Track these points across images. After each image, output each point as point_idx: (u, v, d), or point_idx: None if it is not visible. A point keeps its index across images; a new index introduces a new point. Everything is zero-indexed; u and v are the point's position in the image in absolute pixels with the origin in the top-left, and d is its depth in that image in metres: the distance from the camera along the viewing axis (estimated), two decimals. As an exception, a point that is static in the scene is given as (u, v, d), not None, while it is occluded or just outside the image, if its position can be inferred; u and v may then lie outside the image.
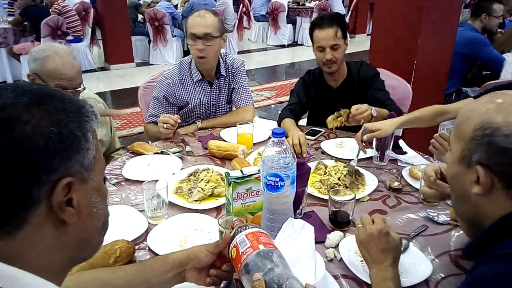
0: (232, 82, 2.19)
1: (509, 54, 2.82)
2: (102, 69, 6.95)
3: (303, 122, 2.28)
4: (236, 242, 0.83)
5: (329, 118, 1.82)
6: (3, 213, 0.51)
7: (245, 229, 0.85)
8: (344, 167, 1.56)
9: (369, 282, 1.02)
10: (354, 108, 1.75)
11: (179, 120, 1.92)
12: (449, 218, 1.29)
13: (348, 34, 2.05)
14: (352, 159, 1.60)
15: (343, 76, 2.10)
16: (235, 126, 1.85)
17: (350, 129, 1.90)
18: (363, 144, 1.64)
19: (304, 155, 1.71)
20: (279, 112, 2.11)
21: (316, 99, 2.14)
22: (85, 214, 0.59)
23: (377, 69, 2.15)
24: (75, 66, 1.66)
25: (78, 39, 6.54)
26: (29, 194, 0.52)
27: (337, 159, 1.72)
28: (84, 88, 1.72)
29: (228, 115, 2.21)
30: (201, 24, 1.95)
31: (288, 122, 1.96)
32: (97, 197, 0.62)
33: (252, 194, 1.15)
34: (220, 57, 2.13)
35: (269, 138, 1.91)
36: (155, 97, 2.11)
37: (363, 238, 1.01)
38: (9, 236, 0.52)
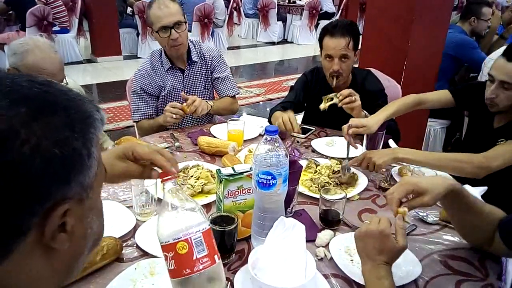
0: (214, 72, 2.19)
1: (489, 57, 2.84)
2: (89, 61, 6.82)
3: (298, 120, 2.27)
4: (190, 238, 0.71)
5: (322, 104, 1.80)
6: None
7: (195, 218, 0.73)
8: (337, 164, 1.55)
9: (358, 281, 1.02)
10: (342, 95, 1.73)
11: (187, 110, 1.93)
12: (438, 218, 1.30)
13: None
14: (344, 158, 1.60)
15: (346, 84, 2.03)
16: (223, 113, 1.86)
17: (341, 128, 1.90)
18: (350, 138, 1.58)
19: (296, 130, 1.68)
20: (268, 109, 2.09)
21: (316, 100, 2.10)
22: (78, 238, 0.52)
23: (370, 70, 2.15)
24: (56, 60, 1.62)
25: (64, 30, 6.41)
26: (18, 224, 0.44)
27: (327, 158, 1.72)
28: (67, 83, 1.67)
29: (227, 103, 2.21)
30: (168, 14, 1.93)
31: (278, 112, 1.93)
32: (93, 215, 0.56)
33: (244, 192, 1.13)
34: (191, 44, 2.14)
35: (260, 135, 1.94)
36: (133, 92, 2.11)
37: (362, 231, 0.99)
38: None
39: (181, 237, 0.70)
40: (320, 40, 1.96)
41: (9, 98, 0.44)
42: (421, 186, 1.02)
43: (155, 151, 0.87)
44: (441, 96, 1.90)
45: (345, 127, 1.60)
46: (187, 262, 0.71)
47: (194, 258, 0.71)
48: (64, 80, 1.66)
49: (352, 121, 1.61)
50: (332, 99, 1.77)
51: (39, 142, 0.44)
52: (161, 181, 0.79)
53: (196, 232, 0.71)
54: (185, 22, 2.01)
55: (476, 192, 1.39)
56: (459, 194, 1.04)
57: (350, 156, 1.75)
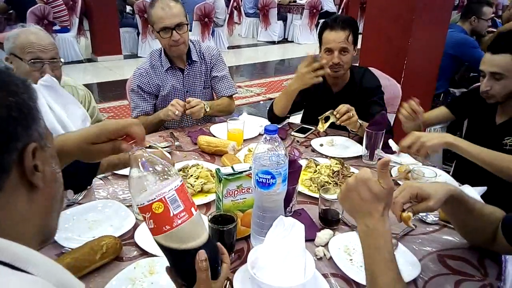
0: (212, 70, 2.19)
1: None
2: (89, 60, 6.81)
3: (297, 119, 2.27)
4: (164, 198, 0.72)
5: (319, 125, 1.81)
6: None
7: (167, 177, 0.73)
8: (336, 164, 1.55)
9: (358, 281, 1.02)
10: (339, 113, 1.74)
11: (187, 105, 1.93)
12: (437, 218, 1.30)
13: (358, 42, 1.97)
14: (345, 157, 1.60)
15: (345, 81, 2.04)
16: (221, 114, 1.86)
17: (341, 127, 1.90)
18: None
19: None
20: (268, 108, 2.09)
21: (314, 99, 2.11)
22: (49, 180, 0.61)
23: (368, 68, 2.15)
24: (47, 37, 1.67)
25: (65, 29, 6.40)
26: (1, 162, 0.54)
27: (327, 157, 1.72)
28: (63, 63, 1.72)
29: (224, 104, 2.20)
30: (171, 15, 1.93)
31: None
32: (55, 165, 0.65)
33: (243, 191, 1.13)
34: (191, 43, 2.14)
35: (260, 134, 1.94)
36: (131, 90, 2.11)
37: (342, 190, 0.90)
38: None
39: (155, 198, 0.71)
40: (320, 35, 1.96)
41: None
42: (425, 190, 1.01)
43: (128, 124, 0.86)
44: (438, 113, 1.98)
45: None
46: (165, 220, 0.72)
47: (171, 215, 0.72)
48: (59, 59, 1.69)
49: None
50: (328, 117, 1.78)
51: None
52: (129, 147, 0.81)
53: (169, 190, 0.72)
54: (187, 24, 2.01)
55: (476, 192, 1.39)
56: (459, 199, 1.04)
57: (350, 156, 1.76)
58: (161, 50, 2.11)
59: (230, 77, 2.24)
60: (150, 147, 1.76)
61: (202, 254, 0.75)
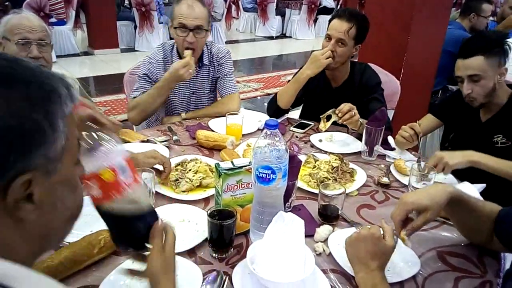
0: (217, 72, 2.15)
1: None
2: (86, 53, 6.76)
3: (296, 115, 2.26)
4: (113, 165, 0.72)
5: (321, 124, 1.81)
6: None
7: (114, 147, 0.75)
8: (335, 159, 1.55)
9: (357, 277, 1.02)
10: (341, 112, 1.73)
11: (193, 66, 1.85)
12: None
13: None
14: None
15: (345, 76, 2.04)
16: (222, 116, 1.82)
17: (340, 124, 1.89)
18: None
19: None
20: (265, 104, 2.08)
21: (314, 94, 2.10)
22: (47, 209, 0.54)
23: (368, 64, 2.14)
24: (36, 19, 1.66)
25: (61, 22, 6.34)
26: None
27: (326, 153, 1.71)
28: (52, 44, 1.71)
29: (213, 105, 2.18)
30: (192, 16, 1.88)
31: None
32: (64, 189, 0.57)
33: (243, 186, 1.12)
34: (205, 46, 2.09)
35: (258, 129, 1.93)
36: (138, 75, 2.05)
37: (353, 237, 1.00)
38: None
39: (105, 166, 0.73)
40: (329, 22, 1.95)
41: None
42: (420, 204, 1.00)
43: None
44: (428, 122, 1.99)
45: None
46: (113, 187, 0.74)
47: (120, 183, 0.74)
48: (50, 39, 1.68)
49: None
50: (330, 116, 1.78)
51: None
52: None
53: (118, 159, 0.74)
54: (207, 30, 1.95)
55: (475, 189, 1.39)
56: (459, 200, 1.04)
57: (349, 151, 1.75)
58: (173, 45, 2.06)
59: (233, 76, 2.19)
60: (148, 141, 1.75)
61: (159, 222, 0.79)
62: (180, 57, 2.03)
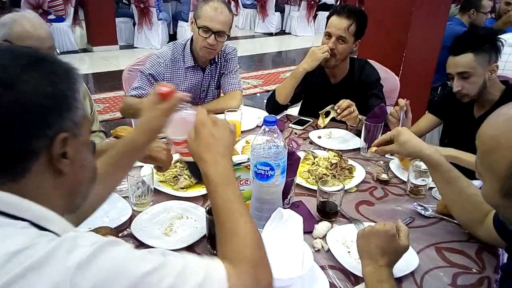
0: (223, 68, 2.16)
1: None
2: (85, 50, 6.74)
3: (295, 111, 2.26)
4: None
5: (320, 120, 1.80)
6: (9, 162, 0.58)
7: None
8: (334, 156, 1.54)
9: (355, 273, 1.02)
10: (340, 108, 1.73)
11: None
12: (434, 211, 1.30)
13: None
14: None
15: (344, 73, 2.03)
16: (222, 113, 1.81)
17: (339, 121, 1.89)
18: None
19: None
20: (265, 100, 2.08)
21: (312, 91, 2.10)
22: (77, 166, 0.66)
23: (368, 60, 2.14)
24: (44, 27, 1.63)
25: (60, 19, 6.31)
26: (30, 146, 0.59)
27: (325, 149, 1.71)
28: (58, 53, 1.67)
29: (214, 102, 2.18)
30: (218, 20, 1.89)
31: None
32: (86, 151, 0.69)
33: (241, 182, 1.12)
34: None
35: (257, 126, 1.92)
36: (142, 72, 2.01)
37: (367, 230, 0.99)
38: (14, 183, 0.59)
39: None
40: (327, 19, 1.95)
41: (11, 55, 0.60)
42: (397, 136, 1.25)
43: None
44: (427, 121, 2.01)
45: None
46: None
47: None
48: (55, 47, 1.66)
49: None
50: (328, 112, 1.77)
51: (37, 82, 0.59)
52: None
53: None
54: (228, 35, 1.97)
55: (475, 184, 1.39)
56: (435, 166, 1.18)
57: (348, 148, 1.75)
58: (185, 45, 2.05)
59: (237, 73, 2.20)
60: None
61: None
62: (194, 55, 2.03)
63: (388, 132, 1.34)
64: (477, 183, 1.43)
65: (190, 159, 1.10)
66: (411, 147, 1.22)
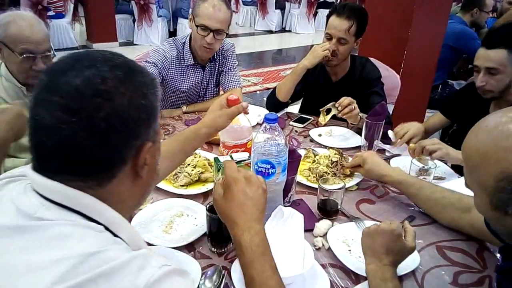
0: (221, 65, 2.15)
1: None
2: (84, 47, 6.72)
3: (295, 109, 2.25)
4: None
5: (321, 117, 1.80)
6: (101, 169, 0.61)
7: None
8: (335, 154, 1.54)
9: (356, 271, 1.02)
10: (341, 105, 1.73)
11: None
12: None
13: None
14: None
15: (345, 70, 2.02)
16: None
17: (340, 119, 1.89)
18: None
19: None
20: (265, 98, 2.07)
21: (313, 88, 2.09)
22: (151, 171, 0.69)
23: (369, 58, 2.13)
24: (41, 29, 1.57)
25: (59, 15, 6.30)
26: (121, 155, 0.62)
27: (326, 147, 1.71)
28: (55, 55, 1.63)
29: (215, 99, 2.17)
30: (216, 18, 1.87)
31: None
32: (158, 156, 0.72)
33: (242, 180, 1.12)
34: None
35: (258, 124, 1.92)
36: (146, 61, 1.99)
37: (372, 228, 0.98)
38: (100, 187, 0.61)
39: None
40: (327, 18, 1.93)
41: (108, 66, 0.60)
42: (364, 164, 1.37)
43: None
44: (436, 120, 2.01)
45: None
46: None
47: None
48: (52, 50, 1.61)
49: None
50: (329, 110, 1.77)
51: (132, 95, 0.61)
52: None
53: None
54: (226, 33, 1.95)
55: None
56: (399, 184, 1.29)
57: (349, 146, 1.75)
58: (184, 43, 2.04)
59: (236, 70, 2.18)
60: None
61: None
62: (193, 53, 2.03)
63: (356, 157, 1.43)
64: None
65: (239, 155, 1.20)
66: (375, 174, 1.35)
